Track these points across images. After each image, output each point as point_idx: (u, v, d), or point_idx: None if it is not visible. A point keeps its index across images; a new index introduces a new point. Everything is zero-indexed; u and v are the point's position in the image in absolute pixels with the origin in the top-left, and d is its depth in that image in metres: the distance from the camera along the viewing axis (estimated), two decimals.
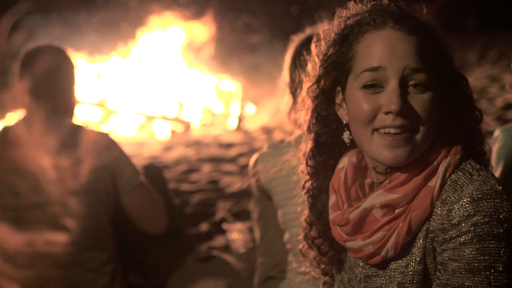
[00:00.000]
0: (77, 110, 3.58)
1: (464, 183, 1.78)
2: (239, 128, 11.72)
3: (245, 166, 7.79)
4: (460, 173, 1.82)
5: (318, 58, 2.02)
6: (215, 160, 9.10)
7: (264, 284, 3.19)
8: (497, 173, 3.03)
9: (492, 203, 1.73)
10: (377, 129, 1.84)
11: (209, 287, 4.24)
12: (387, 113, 1.81)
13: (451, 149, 1.86)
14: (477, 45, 18.51)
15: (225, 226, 5.25)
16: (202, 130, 11.85)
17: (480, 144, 1.99)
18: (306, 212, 2.16)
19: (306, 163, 2.11)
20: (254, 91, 12.56)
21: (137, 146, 10.57)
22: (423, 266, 1.84)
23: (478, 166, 1.84)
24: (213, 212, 6.39)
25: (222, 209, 6.40)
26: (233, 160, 9.06)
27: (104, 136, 3.39)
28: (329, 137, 2.05)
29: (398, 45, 1.82)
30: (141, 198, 3.44)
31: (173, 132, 11.57)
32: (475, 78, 14.13)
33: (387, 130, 1.82)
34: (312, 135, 2.07)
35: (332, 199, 2.02)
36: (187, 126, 11.68)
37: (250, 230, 4.82)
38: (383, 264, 1.90)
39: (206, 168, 8.63)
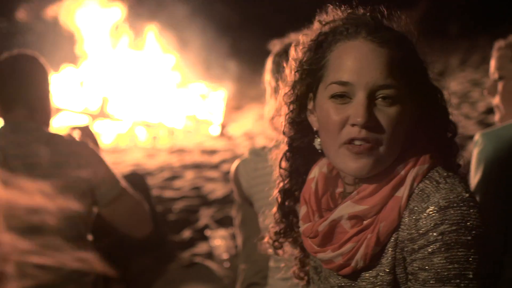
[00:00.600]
0: (56, 118, 3.55)
1: (431, 192, 1.78)
2: (222, 134, 11.72)
3: (228, 173, 7.78)
4: (427, 182, 1.81)
5: (295, 63, 2.01)
6: (198, 167, 9.09)
7: None
8: (476, 177, 3.04)
9: (459, 211, 1.72)
10: (344, 142, 1.83)
11: None
12: (353, 125, 1.80)
13: (419, 159, 1.86)
14: (459, 50, 18.63)
15: (208, 232, 5.25)
16: (185, 137, 11.84)
17: (454, 156, 1.98)
18: (274, 210, 2.16)
19: (280, 165, 2.11)
20: (238, 97, 12.57)
21: (120, 153, 10.55)
22: (392, 277, 1.83)
23: (445, 174, 1.83)
24: (196, 219, 6.39)
25: (205, 216, 6.40)
26: (216, 166, 9.06)
27: (82, 145, 3.34)
28: (302, 142, 2.05)
29: (369, 58, 1.81)
30: (122, 207, 3.39)
31: (155, 138, 11.55)
32: (458, 83, 14.21)
33: (353, 142, 1.82)
34: (286, 139, 2.08)
35: (303, 210, 2.01)
36: (170, 132, 11.67)
37: (233, 237, 4.82)
38: (356, 275, 1.89)
39: (189, 174, 8.62)
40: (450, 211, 1.72)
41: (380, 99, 1.81)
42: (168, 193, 7.49)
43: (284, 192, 2.13)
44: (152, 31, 12.29)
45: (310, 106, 1.98)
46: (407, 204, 1.81)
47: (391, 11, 1.96)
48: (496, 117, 3.35)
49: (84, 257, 3.30)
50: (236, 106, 12.41)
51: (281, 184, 2.14)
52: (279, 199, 2.14)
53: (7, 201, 3.08)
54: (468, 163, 3.16)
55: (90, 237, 3.43)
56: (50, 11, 11.50)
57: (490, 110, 10.72)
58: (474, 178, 3.06)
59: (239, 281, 3.30)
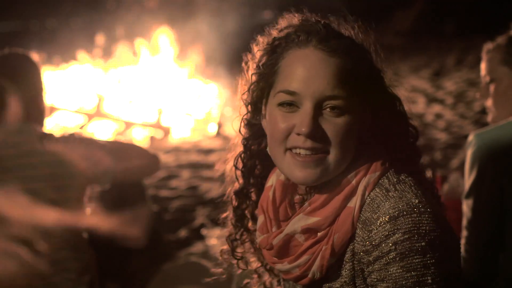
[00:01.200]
0: (51, 117, 3.53)
1: (381, 202, 1.75)
2: (218, 133, 11.72)
3: (224, 172, 7.80)
4: (378, 190, 1.79)
5: (253, 64, 1.98)
6: (195, 166, 9.09)
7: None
8: (471, 177, 3.05)
9: (410, 219, 1.69)
10: (289, 149, 1.81)
11: None
12: (298, 134, 1.78)
13: (370, 167, 1.83)
14: (455, 50, 18.65)
15: (204, 232, 5.26)
16: (181, 136, 11.84)
17: (416, 161, 1.95)
18: (229, 213, 2.11)
19: (235, 165, 2.07)
20: (234, 96, 12.56)
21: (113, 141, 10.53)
22: None
23: (396, 179, 1.81)
24: (192, 218, 6.39)
25: (201, 215, 6.40)
26: (212, 166, 9.02)
27: (74, 141, 3.31)
28: (257, 145, 2.02)
29: (317, 67, 1.79)
30: (129, 159, 3.39)
31: (152, 138, 11.55)
32: (453, 82, 14.24)
33: (298, 151, 1.80)
34: (242, 140, 2.04)
35: (260, 219, 1.98)
36: (166, 132, 11.67)
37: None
38: (316, 286, 1.87)
39: (185, 174, 8.62)
40: (401, 219, 1.70)
41: (327, 109, 1.78)
42: (164, 193, 7.50)
43: (238, 193, 2.08)
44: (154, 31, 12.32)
45: (263, 111, 1.95)
46: (360, 215, 1.78)
47: (347, 18, 1.92)
48: (489, 118, 3.36)
49: (81, 256, 3.30)
50: (233, 105, 12.41)
51: (236, 185, 2.09)
52: (234, 202, 2.10)
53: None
54: (463, 163, 3.17)
55: (85, 236, 3.41)
56: None
57: (485, 110, 10.75)
58: (469, 178, 3.07)
59: (234, 280, 3.31)
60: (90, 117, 11.35)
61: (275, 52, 1.89)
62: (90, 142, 3.35)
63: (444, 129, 10.14)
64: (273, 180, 2.00)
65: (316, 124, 1.77)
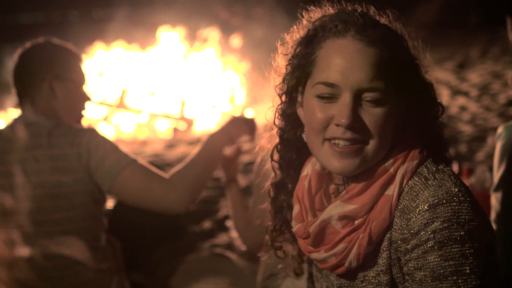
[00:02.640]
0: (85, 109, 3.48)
1: (420, 190, 1.75)
2: None
3: (248, 164, 7.77)
4: (417, 178, 1.79)
5: (285, 57, 1.99)
6: None
7: (267, 281, 3.19)
8: (500, 170, 3.02)
9: (449, 207, 1.69)
10: (328, 139, 1.82)
11: (212, 285, 4.24)
12: (337, 125, 1.79)
13: (408, 155, 1.83)
14: (479, 42, 18.53)
15: (228, 223, 5.26)
16: (205, 128, 11.85)
17: (443, 139, 1.95)
18: (268, 205, 2.14)
19: (272, 158, 2.09)
20: (258, 87, 12.55)
21: (140, 144, 10.57)
22: (389, 277, 1.81)
23: (435, 168, 1.81)
24: (216, 209, 6.39)
25: (225, 207, 6.40)
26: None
27: (82, 132, 3.23)
28: (293, 135, 2.03)
29: (356, 59, 1.78)
30: (135, 179, 3.18)
31: (175, 129, 11.57)
32: (478, 75, 14.14)
33: (337, 142, 1.80)
34: (278, 130, 2.06)
35: (296, 209, 1.99)
36: (189, 123, 11.68)
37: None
38: (353, 274, 1.88)
39: None
40: (440, 208, 1.69)
41: (366, 100, 1.78)
42: None
43: (276, 185, 2.11)
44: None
45: (299, 99, 1.96)
46: (398, 203, 1.78)
47: (383, 8, 1.93)
48: None
49: (98, 245, 3.29)
50: (256, 98, 12.39)
51: (273, 177, 2.12)
52: (272, 193, 2.12)
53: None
54: (489, 156, 3.13)
55: (103, 226, 3.36)
56: None
57: (511, 102, 10.66)
58: (498, 170, 3.04)
59: (260, 271, 3.30)
60: (114, 108, 11.38)
61: (312, 42, 1.89)
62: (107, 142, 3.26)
63: (469, 121, 10.07)
64: (308, 170, 2.02)
65: (355, 115, 1.77)
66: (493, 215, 3.04)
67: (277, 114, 2.05)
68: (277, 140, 2.08)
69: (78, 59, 3.41)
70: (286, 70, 1.98)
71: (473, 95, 12.17)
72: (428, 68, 1.95)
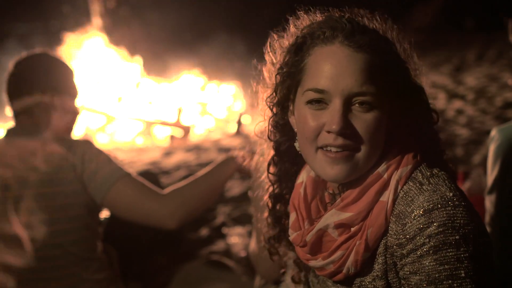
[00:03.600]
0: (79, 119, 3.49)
1: (415, 195, 1.76)
2: (238, 132, 11.72)
3: None
4: (411, 184, 1.79)
5: (274, 66, 2.01)
6: None
7: (263, 287, 3.19)
8: (494, 173, 3.02)
9: (444, 212, 1.70)
10: (320, 147, 1.83)
11: None
12: (329, 132, 1.79)
13: (402, 160, 1.84)
14: (476, 44, 18.53)
15: (225, 230, 5.26)
16: (202, 135, 11.86)
17: (438, 143, 1.96)
18: (266, 214, 2.16)
19: (268, 170, 2.11)
20: (254, 95, 12.55)
21: (137, 152, 10.57)
22: (385, 282, 1.82)
23: (429, 173, 1.81)
24: (213, 216, 6.38)
25: (222, 214, 6.39)
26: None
27: (77, 144, 3.23)
28: (288, 145, 2.04)
29: (344, 64, 1.79)
30: (128, 192, 3.17)
31: (172, 137, 11.57)
32: (475, 78, 14.14)
33: (329, 148, 1.81)
34: (273, 143, 2.07)
35: (292, 217, 2.00)
36: (186, 131, 11.69)
37: (250, 234, 4.81)
38: (350, 280, 1.89)
39: None
40: (436, 212, 1.70)
41: (356, 105, 1.79)
42: None
43: (274, 197, 2.13)
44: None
45: (291, 107, 1.96)
46: (393, 208, 1.79)
47: (371, 12, 1.94)
48: None
49: (94, 255, 3.28)
50: (252, 103, 12.39)
51: (271, 189, 2.13)
52: (270, 204, 2.14)
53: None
54: (485, 159, 3.13)
55: (99, 237, 3.36)
56: None
57: (507, 105, 10.66)
58: (491, 173, 3.04)
59: (257, 277, 3.30)
60: (111, 117, 11.38)
61: (301, 49, 1.90)
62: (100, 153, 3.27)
63: (465, 124, 10.07)
64: (303, 177, 2.03)
65: (346, 121, 1.78)
66: (487, 218, 3.04)
67: (270, 127, 2.06)
68: (272, 152, 2.10)
69: (73, 73, 3.42)
70: (276, 80, 1.98)
71: (469, 98, 12.17)
72: (419, 72, 1.96)
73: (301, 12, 1.99)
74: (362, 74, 1.78)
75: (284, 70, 1.94)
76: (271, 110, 2.03)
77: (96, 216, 3.29)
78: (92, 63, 11.68)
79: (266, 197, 2.15)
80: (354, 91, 1.77)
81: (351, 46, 1.80)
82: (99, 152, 3.22)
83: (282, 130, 2.04)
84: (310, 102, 1.83)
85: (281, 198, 2.12)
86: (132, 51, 12.15)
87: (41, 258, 3.10)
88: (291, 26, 1.99)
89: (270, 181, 2.12)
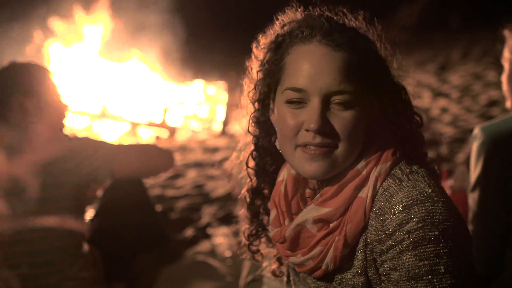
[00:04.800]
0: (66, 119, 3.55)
1: (394, 191, 1.76)
2: (224, 132, 11.71)
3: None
4: (391, 180, 1.80)
5: (257, 62, 2.01)
6: (200, 165, 9.09)
7: (248, 286, 3.20)
8: (476, 171, 3.04)
9: (423, 208, 1.70)
10: (299, 145, 1.83)
11: None
12: (307, 130, 1.80)
13: (381, 157, 1.85)
14: (460, 43, 18.59)
15: (210, 231, 5.25)
16: (187, 135, 11.84)
17: (421, 146, 1.97)
18: (244, 210, 2.17)
19: (247, 164, 2.11)
20: (239, 94, 12.54)
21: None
22: (365, 278, 1.83)
23: (408, 170, 1.82)
24: (198, 217, 6.38)
25: (207, 214, 6.39)
26: (218, 164, 9.04)
27: (65, 139, 3.34)
28: (268, 142, 2.05)
29: (322, 63, 1.80)
30: (130, 156, 3.48)
31: (158, 138, 11.55)
32: (459, 76, 14.19)
33: (307, 146, 1.81)
34: (252, 138, 2.08)
35: (273, 214, 2.01)
36: (172, 131, 11.67)
37: (235, 234, 4.81)
38: (330, 277, 1.89)
39: (191, 173, 8.61)
40: (415, 208, 1.70)
41: (335, 104, 1.79)
42: (170, 192, 7.48)
43: (252, 191, 2.13)
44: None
45: (271, 105, 1.97)
46: (373, 205, 1.79)
47: (351, 10, 1.95)
48: (507, 104, 3.24)
49: (79, 253, 3.29)
50: (237, 103, 12.36)
51: (250, 184, 2.13)
52: (248, 199, 2.14)
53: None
54: (469, 157, 3.15)
55: (84, 234, 3.39)
56: None
57: (491, 103, 10.71)
58: (474, 171, 3.05)
59: (242, 276, 3.31)
60: (95, 117, 11.34)
61: (280, 48, 1.91)
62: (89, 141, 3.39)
63: (450, 123, 10.10)
64: (284, 175, 2.04)
65: (324, 120, 1.79)
66: (470, 216, 3.05)
67: (251, 122, 2.07)
68: (252, 147, 2.10)
69: (45, 73, 3.45)
70: (257, 77, 1.99)
71: (454, 97, 12.21)
72: (402, 71, 1.96)
73: (287, 9, 2.00)
74: (340, 73, 1.78)
75: (265, 67, 1.95)
76: (253, 105, 2.04)
77: (82, 211, 3.35)
78: (74, 64, 11.64)
79: (244, 190, 2.15)
80: (332, 90, 1.78)
81: (329, 45, 1.81)
82: (86, 140, 3.39)
83: (262, 127, 2.05)
84: (289, 101, 1.83)
85: (259, 193, 2.12)
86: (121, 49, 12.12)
87: (29, 253, 3.13)
88: (277, 23, 1.99)
89: (248, 175, 2.12)
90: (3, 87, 3.35)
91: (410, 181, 1.77)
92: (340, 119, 1.79)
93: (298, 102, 1.82)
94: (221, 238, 4.92)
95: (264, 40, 2.01)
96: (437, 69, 15.75)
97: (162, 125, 11.66)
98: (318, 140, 1.79)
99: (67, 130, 3.54)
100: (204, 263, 4.55)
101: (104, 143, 3.41)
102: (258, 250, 2.21)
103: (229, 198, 6.64)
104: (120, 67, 11.94)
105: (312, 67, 1.80)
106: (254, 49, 2.04)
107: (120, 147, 3.44)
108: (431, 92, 12.86)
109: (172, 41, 12.57)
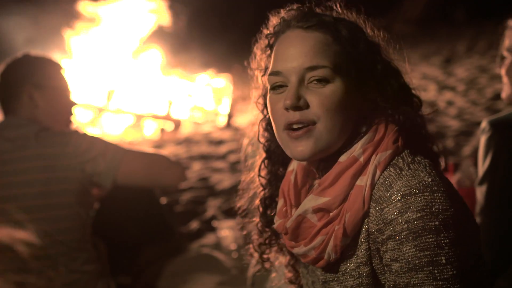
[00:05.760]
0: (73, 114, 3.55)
1: (394, 180, 1.74)
2: (229, 125, 11.71)
3: (235, 163, 7.74)
4: (392, 169, 1.78)
5: (259, 69, 2.07)
6: (205, 158, 9.08)
7: (255, 276, 3.19)
8: (485, 165, 3.02)
9: (422, 197, 1.68)
10: (286, 129, 1.85)
11: (200, 286, 4.22)
12: (286, 109, 1.82)
13: (380, 145, 1.83)
14: (466, 36, 18.57)
15: (215, 223, 5.24)
16: (192, 128, 11.83)
17: (423, 127, 1.96)
18: (257, 220, 2.17)
19: (259, 174, 2.13)
20: (244, 87, 12.56)
21: (127, 145, 10.54)
22: (369, 268, 1.81)
23: (410, 159, 1.80)
24: (203, 209, 6.38)
25: (212, 207, 6.39)
26: (223, 157, 9.05)
27: (70, 134, 3.30)
28: (278, 146, 2.04)
29: (296, 44, 1.85)
30: (135, 165, 3.38)
31: (163, 130, 11.55)
32: (465, 69, 14.17)
33: (291, 128, 1.84)
34: (262, 146, 2.11)
35: (280, 203, 2.02)
36: (177, 124, 11.67)
37: (240, 227, 4.79)
38: (335, 268, 1.89)
39: (196, 165, 8.61)
40: (413, 197, 1.68)
41: (313, 82, 1.82)
42: None
43: (265, 201, 2.13)
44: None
45: None
46: (373, 194, 1.78)
47: (355, 5, 1.98)
48: (503, 94, 3.23)
49: (84, 246, 3.29)
50: (242, 96, 12.39)
51: (262, 193, 2.14)
52: (261, 209, 2.14)
53: None
54: (476, 150, 3.13)
55: (89, 228, 3.39)
56: None
57: (497, 96, 10.68)
58: (482, 165, 3.04)
59: (250, 266, 3.30)
60: (100, 110, 11.34)
61: (270, 47, 1.98)
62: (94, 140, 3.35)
63: (455, 116, 10.08)
64: (294, 165, 2.05)
65: (298, 96, 1.82)
66: (477, 209, 3.04)
67: (261, 129, 2.10)
68: (263, 155, 2.12)
69: (56, 67, 3.48)
70: (263, 83, 2.04)
71: (460, 90, 12.19)
72: (397, 55, 1.97)
73: (278, 10, 2.03)
74: (312, 50, 1.83)
75: (262, 70, 2.03)
76: (261, 112, 2.08)
77: (87, 208, 3.33)
78: (82, 56, 11.64)
79: (257, 201, 2.15)
80: (305, 66, 1.82)
81: (301, 27, 1.87)
82: (94, 141, 3.31)
83: (271, 131, 2.05)
84: (273, 88, 1.88)
85: (271, 201, 2.13)
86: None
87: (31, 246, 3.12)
88: (266, 26, 2.05)
89: (261, 184, 2.14)
90: (14, 77, 3.36)
91: (410, 170, 1.75)
92: (317, 94, 1.82)
93: (280, 86, 1.86)
94: (226, 231, 4.91)
95: (260, 46, 2.05)
96: (443, 62, 15.73)
97: (167, 117, 11.66)
98: (297, 117, 1.81)
99: (74, 125, 3.55)
100: (209, 256, 4.54)
101: (114, 146, 3.35)
102: (268, 259, 2.21)
103: (234, 191, 6.63)
104: (127, 59, 11.95)
105: (286, 50, 1.86)
106: (251, 62, 2.09)
107: (129, 153, 3.37)
108: (437, 85, 12.84)
109: (178, 34, 12.55)
